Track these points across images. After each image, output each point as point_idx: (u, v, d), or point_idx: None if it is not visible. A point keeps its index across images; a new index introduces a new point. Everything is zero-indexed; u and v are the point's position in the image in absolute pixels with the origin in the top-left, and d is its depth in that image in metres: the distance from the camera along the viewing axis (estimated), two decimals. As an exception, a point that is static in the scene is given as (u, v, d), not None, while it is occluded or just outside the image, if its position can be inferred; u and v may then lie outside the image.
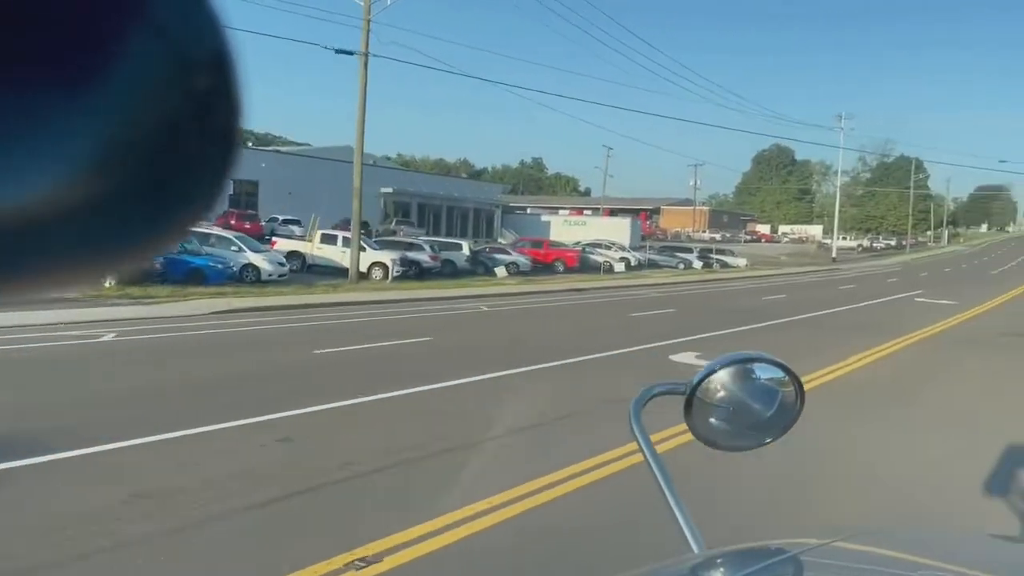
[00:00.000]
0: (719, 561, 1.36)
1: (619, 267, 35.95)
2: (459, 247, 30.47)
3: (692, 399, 1.35)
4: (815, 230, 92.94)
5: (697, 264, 41.14)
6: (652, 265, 39.46)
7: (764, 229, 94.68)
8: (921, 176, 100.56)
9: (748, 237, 77.79)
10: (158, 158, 0.28)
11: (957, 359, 12.44)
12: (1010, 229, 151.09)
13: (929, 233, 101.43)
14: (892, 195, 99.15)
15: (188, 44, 0.27)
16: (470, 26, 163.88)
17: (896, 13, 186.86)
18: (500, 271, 29.39)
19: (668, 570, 1.36)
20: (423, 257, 26.91)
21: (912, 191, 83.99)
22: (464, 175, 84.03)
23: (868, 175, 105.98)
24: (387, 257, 24.74)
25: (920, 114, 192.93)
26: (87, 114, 0.26)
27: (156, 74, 0.27)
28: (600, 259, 35.44)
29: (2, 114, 0.25)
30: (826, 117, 78.06)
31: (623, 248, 40.34)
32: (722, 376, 1.38)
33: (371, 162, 41.07)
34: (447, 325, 15.13)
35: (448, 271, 27.79)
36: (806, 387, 1.45)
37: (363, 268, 23.76)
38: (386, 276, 24.18)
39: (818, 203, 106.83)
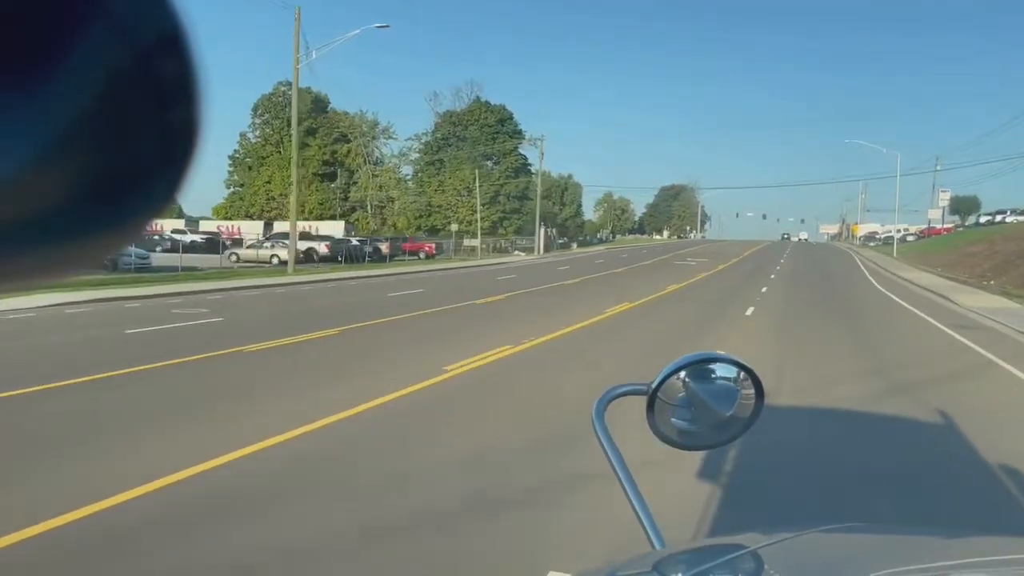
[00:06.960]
0: (680, 557, 1.37)
1: None
2: None
3: (654, 399, 1.35)
4: (335, 227, 52.52)
5: None
6: None
7: (255, 226, 52.27)
8: (493, 120, 62.78)
9: None
10: (115, 152, 0.26)
11: None
12: (693, 235, 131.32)
13: (499, 232, 63.79)
14: (465, 171, 61.16)
15: (145, 36, 0.25)
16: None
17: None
18: None
19: (630, 566, 1.39)
20: None
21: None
22: None
23: (438, 137, 67.43)
24: None
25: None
26: (38, 107, 0.24)
27: (111, 66, 0.25)
28: None
29: None
30: None
31: None
32: (683, 376, 1.37)
33: None
34: None
35: None
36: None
37: None
38: None
39: (360, 185, 63.78)
